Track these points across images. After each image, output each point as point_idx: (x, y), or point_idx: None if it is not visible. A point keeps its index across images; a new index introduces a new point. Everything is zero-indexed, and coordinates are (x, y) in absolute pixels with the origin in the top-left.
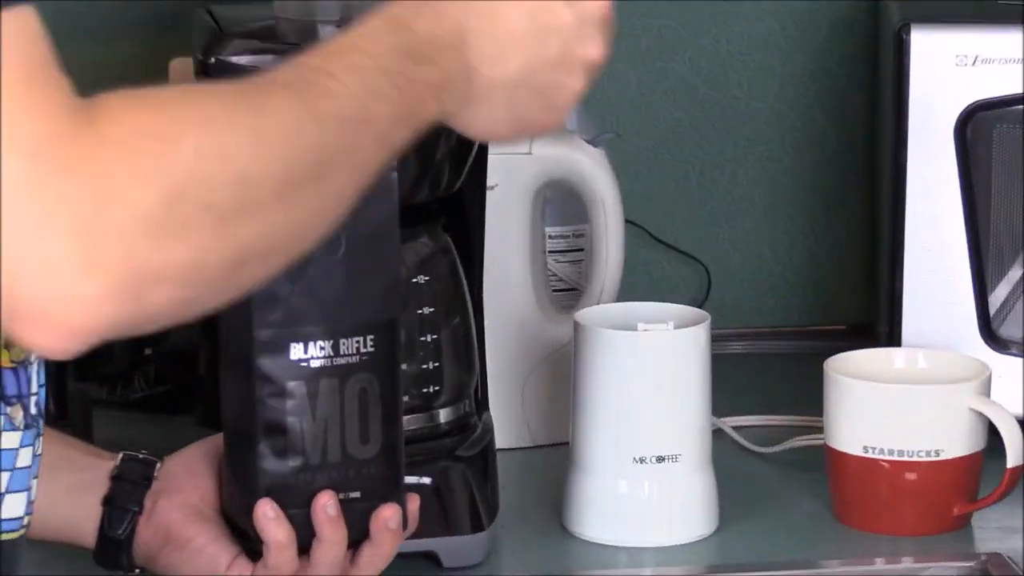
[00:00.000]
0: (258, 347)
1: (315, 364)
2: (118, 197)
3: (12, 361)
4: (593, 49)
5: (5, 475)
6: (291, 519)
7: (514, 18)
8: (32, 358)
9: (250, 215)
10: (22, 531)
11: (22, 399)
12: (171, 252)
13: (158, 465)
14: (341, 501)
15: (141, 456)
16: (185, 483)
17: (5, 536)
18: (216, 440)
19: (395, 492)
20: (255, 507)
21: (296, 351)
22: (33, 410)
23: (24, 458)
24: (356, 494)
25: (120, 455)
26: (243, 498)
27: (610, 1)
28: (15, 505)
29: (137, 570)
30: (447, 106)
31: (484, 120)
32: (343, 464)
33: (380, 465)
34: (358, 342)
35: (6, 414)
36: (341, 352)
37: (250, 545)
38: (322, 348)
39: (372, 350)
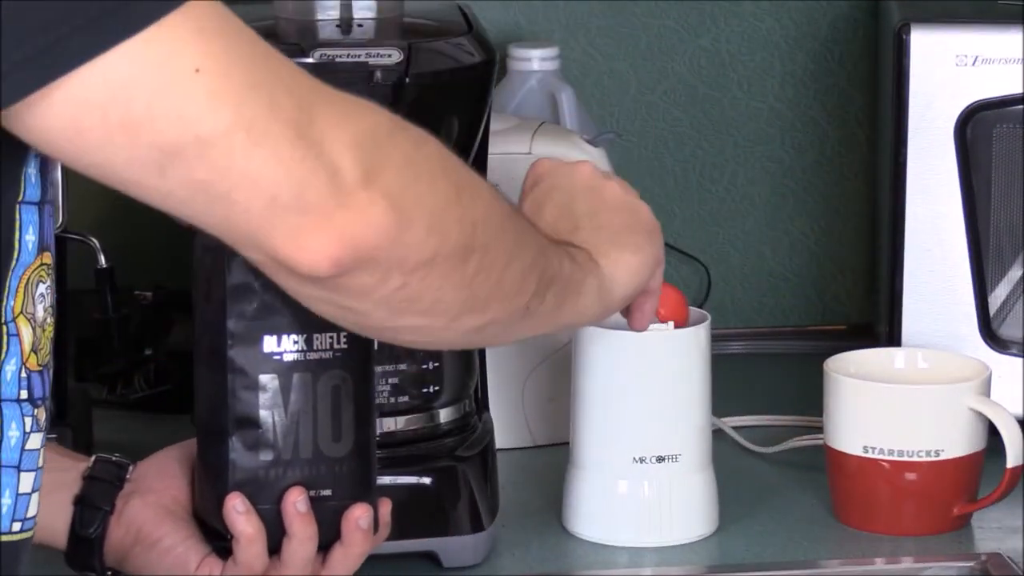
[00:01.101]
0: (231, 339)
1: (288, 358)
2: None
3: (39, 364)
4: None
5: (32, 475)
6: (261, 515)
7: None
8: (50, 361)
9: (476, 200)
10: (31, 531)
11: (45, 401)
12: (426, 199)
13: (131, 467)
14: (312, 499)
15: (114, 458)
16: (157, 484)
17: (24, 535)
18: (190, 444)
19: (367, 493)
20: (225, 501)
21: (269, 344)
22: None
23: (42, 458)
24: (327, 492)
25: (93, 457)
26: (213, 493)
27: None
28: (36, 503)
29: (109, 572)
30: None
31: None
32: (314, 461)
33: (352, 464)
34: (331, 337)
35: (34, 416)
36: (314, 347)
37: (221, 544)
38: (295, 342)
39: (345, 347)
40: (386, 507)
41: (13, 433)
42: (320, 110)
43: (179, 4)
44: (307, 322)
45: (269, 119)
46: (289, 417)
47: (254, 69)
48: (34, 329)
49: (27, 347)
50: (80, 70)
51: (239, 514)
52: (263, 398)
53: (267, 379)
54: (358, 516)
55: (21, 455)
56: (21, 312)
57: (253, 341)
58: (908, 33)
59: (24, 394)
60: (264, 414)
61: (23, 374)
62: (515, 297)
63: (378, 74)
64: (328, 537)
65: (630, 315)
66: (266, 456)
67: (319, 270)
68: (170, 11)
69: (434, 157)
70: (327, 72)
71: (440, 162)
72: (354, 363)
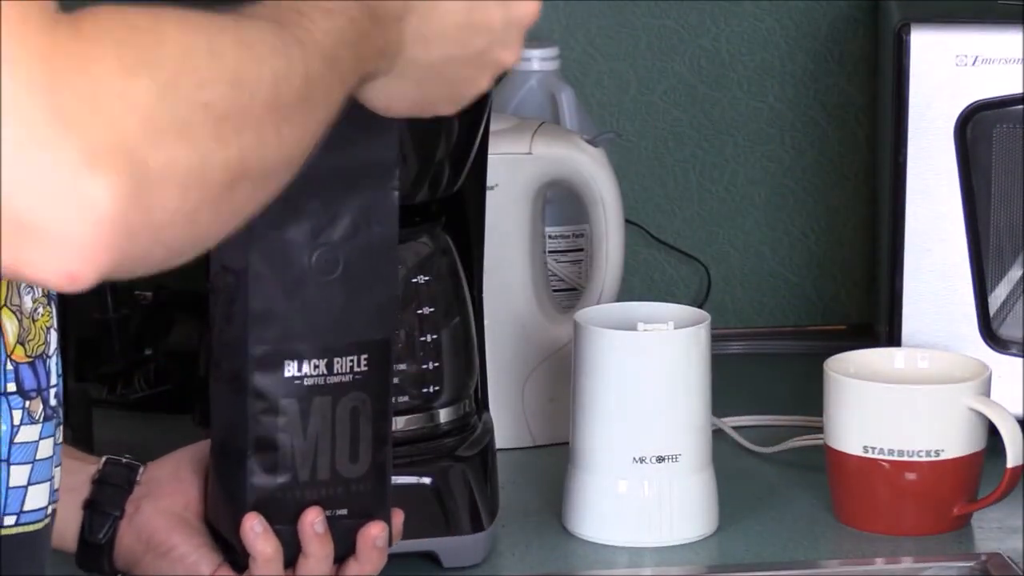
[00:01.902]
0: (252, 363)
1: (308, 382)
2: (108, 90)
3: (29, 356)
4: (510, 54)
5: (26, 468)
6: (278, 534)
7: (453, 8)
8: (51, 351)
9: (245, 123)
10: (47, 520)
11: (41, 392)
12: (170, 149)
13: (141, 470)
14: (328, 518)
15: (124, 460)
16: (169, 489)
17: (32, 527)
18: (202, 447)
19: (382, 509)
20: (242, 521)
21: (290, 369)
22: (52, 402)
23: (45, 449)
24: (343, 511)
25: (103, 459)
26: (230, 512)
27: (537, 4)
28: (38, 496)
29: (118, 575)
30: (376, 71)
31: (390, 94)
32: (332, 482)
33: (368, 483)
34: (352, 361)
35: (25, 408)
36: (335, 371)
37: (233, 556)
38: (316, 366)
39: (365, 369)
40: (399, 519)
41: (0, 427)
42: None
43: None
44: (328, 347)
45: None
46: (308, 440)
47: None
48: (20, 320)
49: (11, 339)
50: None
51: (257, 535)
52: (282, 422)
53: (287, 403)
54: (375, 535)
55: (10, 448)
56: (5, 304)
57: (275, 367)
58: (908, 33)
59: (12, 387)
60: (283, 437)
61: (8, 366)
62: (282, 171)
63: None
64: (343, 552)
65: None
66: (284, 478)
67: (78, 287)
68: None
69: (185, 100)
70: None
71: (194, 101)
72: (373, 384)
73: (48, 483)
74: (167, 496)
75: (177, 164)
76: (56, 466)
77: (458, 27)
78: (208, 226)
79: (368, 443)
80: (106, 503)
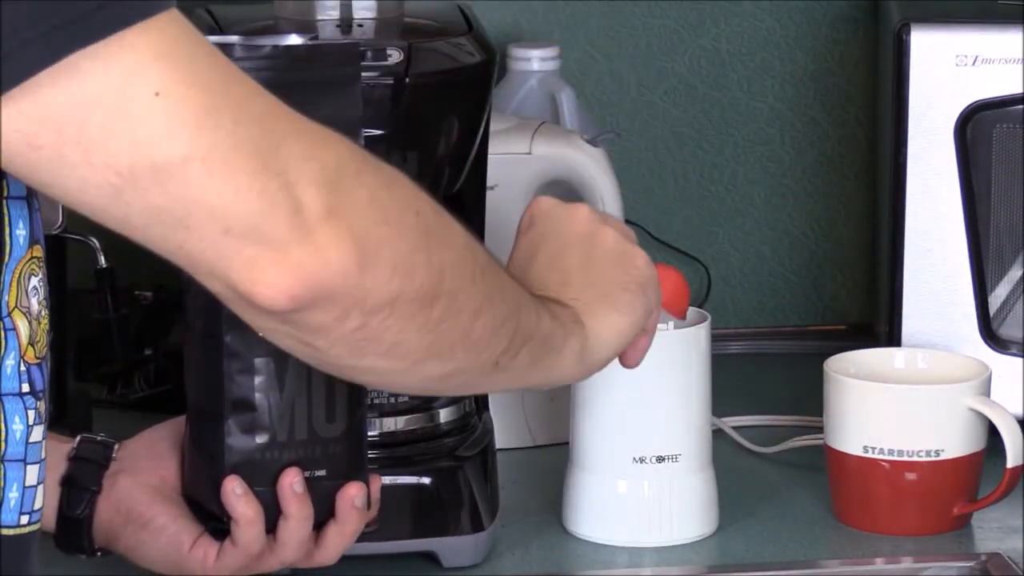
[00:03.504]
0: (226, 323)
1: None
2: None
3: (37, 357)
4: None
5: (36, 467)
6: (258, 496)
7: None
8: (47, 354)
9: (447, 244)
10: (39, 523)
11: (44, 393)
12: (391, 239)
13: (116, 446)
14: (307, 479)
15: (99, 438)
16: (145, 464)
17: (32, 527)
18: (177, 423)
19: (359, 471)
20: (223, 484)
21: None
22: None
23: (44, 450)
24: (322, 472)
25: (78, 437)
26: (209, 476)
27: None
28: (41, 496)
29: (99, 551)
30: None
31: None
32: (310, 442)
33: (345, 444)
34: None
35: (36, 409)
36: None
37: (214, 525)
38: None
39: None
40: (376, 484)
41: (17, 427)
42: (286, 141)
43: (140, 19)
44: None
45: (229, 148)
46: (284, 399)
47: (216, 95)
48: (30, 323)
49: (24, 340)
50: (34, 82)
51: (238, 496)
52: (258, 381)
53: (262, 362)
54: (353, 495)
55: (26, 448)
56: (16, 306)
57: (248, 325)
58: (908, 33)
59: (26, 387)
60: (259, 397)
61: (22, 367)
62: (484, 349)
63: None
64: (322, 516)
65: (623, 353)
66: (262, 438)
67: (275, 305)
68: (128, 26)
69: (404, 198)
70: (317, 55)
71: (410, 203)
72: None
73: (43, 484)
74: (144, 471)
75: (392, 250)
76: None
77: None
78: (404, 332)
79: (344, 402)
80: (83, 479)
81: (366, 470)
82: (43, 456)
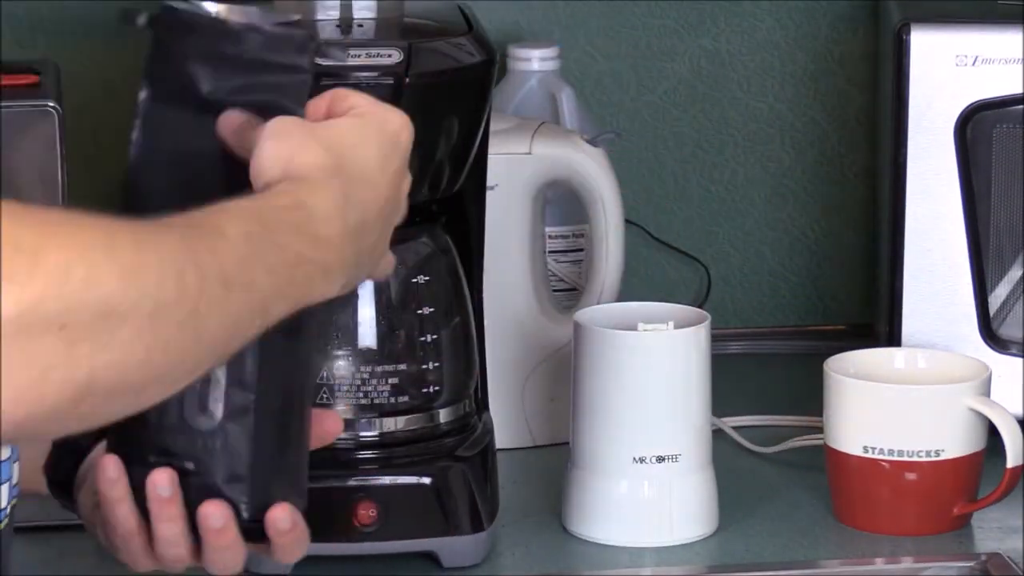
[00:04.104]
0: None
1: None
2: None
3: None
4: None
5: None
6: (132, 477)
7: (387, 183)
8: None
9: (104, 345)
10: (6, 520)
11: None
12: (10, 360)
13: None
14: (177, 469)
15: None
16: None
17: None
18: None
19: (242, 482)
20: (99, 462)
21: None
22: None
23: (5, 449)
24: (190, 465)
25: None
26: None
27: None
28: (7, 494)
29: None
30: (337, 288)
31: (371, 265)
32: (179, 429)
33: (223, 442)
34: None
35: None
36: None
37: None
38: None
39: None
40: (283, 512)
41: None
42: None
43: None
44: None
45: None
46: None
47: None
48: None
49: None
50: None
51: (109, 480)
52: None
53: None
54: (207, 514)
55: None
56: None
57: None
58: (908, 33)
59: None
60: None
61: None
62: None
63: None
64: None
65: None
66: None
67: None
68: None
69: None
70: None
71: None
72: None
73: (7, 483)
74: None
75: (14, 376)
76: (14, 462)
77: (387, 212)
78: (48, 428)
79: (222, 398)
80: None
81: (262, 487)
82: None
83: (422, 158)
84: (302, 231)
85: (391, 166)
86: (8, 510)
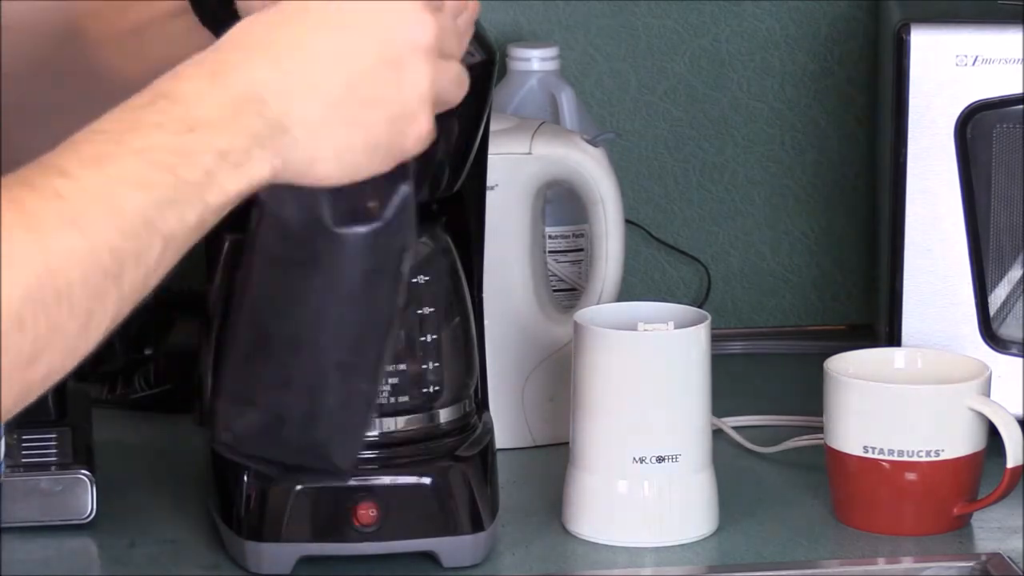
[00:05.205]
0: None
1: None
2: None
3: None
4: (418, 127)
5: None
6: None
7: (331, 82)
8: None
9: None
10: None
11: None
12: None
13: None
14: None
15: None
16: None
17: None
18: None
19: None
20: None
21: None
22: None
23: None
24: None
25: None
26: None
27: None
28: None
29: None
30: (258, 168)
31: (332, 154)
32: None
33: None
34: None
35: None
36: None
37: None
38: None
39: None
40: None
41: None
42: None
43: None
44: None
45: None
46: None
47: None
48: None
49: None
50: None
51: None
52: None
53: None
54: None
55: None
56: None
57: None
58: (908, 33)
59: None
60: None
61: None
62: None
63: None
64: None
65: None
66: None
67: None
68: None
69: None
70: None
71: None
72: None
73: None
74: None
75: None
76: None
77: (342, 102)
78: None
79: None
80: None
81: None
82: None
83: (422, 158)
84: (170, 124)
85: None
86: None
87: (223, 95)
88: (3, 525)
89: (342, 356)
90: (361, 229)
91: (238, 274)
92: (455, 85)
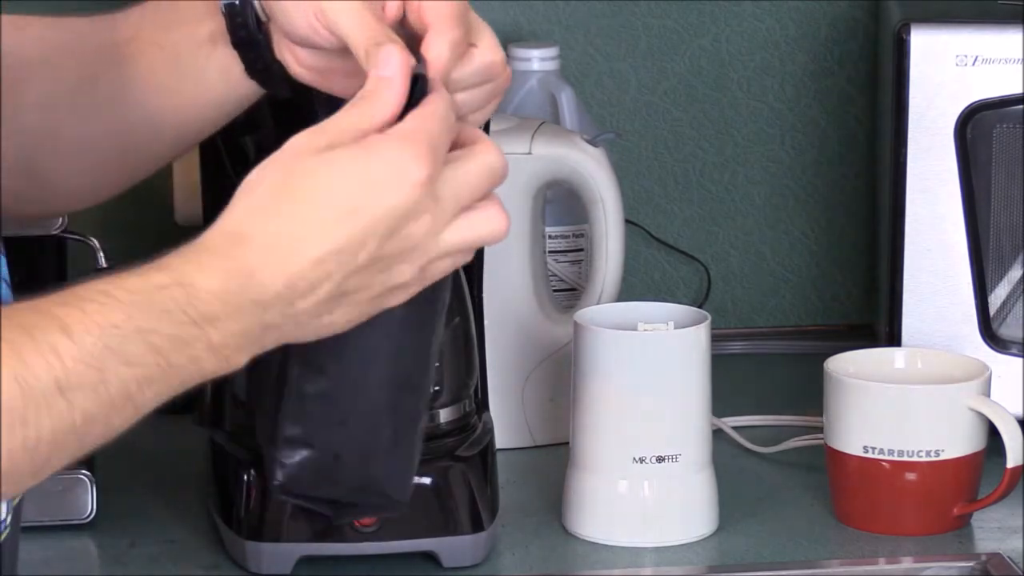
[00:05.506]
0: None
1: None
2: None
3: None
4: (402, 294)
5: None
6: None
7: (327, 285)
8: None
9: None
10: (7, 531)
11: None
12: None
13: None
14: None
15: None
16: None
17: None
18: None
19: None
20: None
21: None
22: None
23: None
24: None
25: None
26: None
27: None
28: (5, 506)
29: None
30: (239, 358)
31: (314, 330)
32: None
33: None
34: None
35: None
36: None
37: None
38: None
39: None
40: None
41: None
42: None
43: None
44: None
45: None
46: None
47: None
48: None
49: None
50: None
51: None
52: None
53: None
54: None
55: None
56: None
57: None
58: (908, 33)
59: None
60: None
61: None
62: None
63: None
64: None
65: None
66: None
67: None
68: None
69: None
70: None
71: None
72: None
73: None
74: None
75: None
76: None
77: (326, 275)
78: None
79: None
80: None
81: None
82: None
83: None
84: (177, 313)
85: (372, 212)
86: (8, 520)
87: (233, 297)
88: (3, 524)
89: (395, 389)
90: None
91: None
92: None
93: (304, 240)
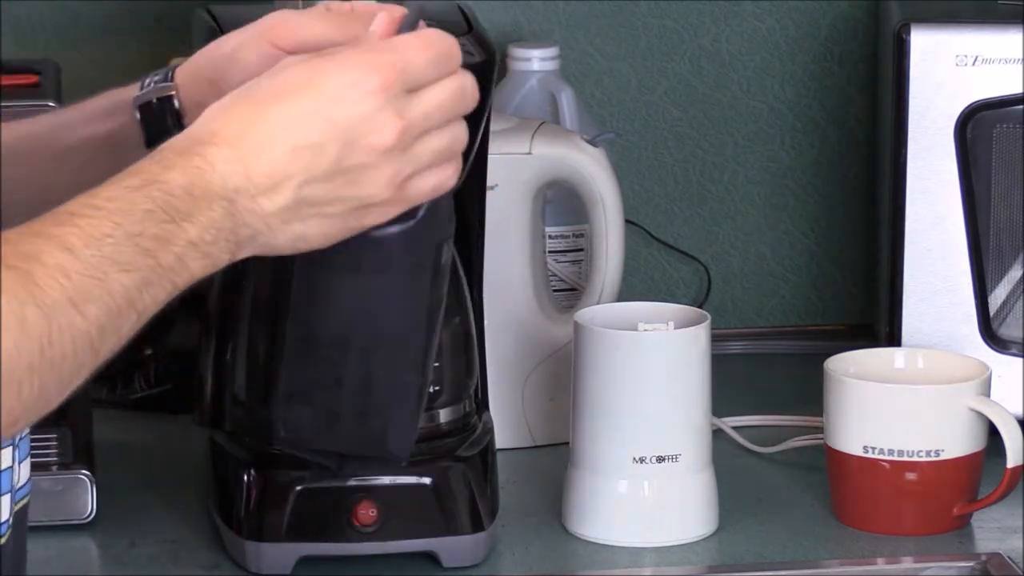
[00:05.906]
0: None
1: None
2: None
3: None
4: (379, 214)
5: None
6: None
7: (290, 184)
8: None
9: None
10: (7, 534)
11: None
12: None
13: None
14: None
15: (154, 100)
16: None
17: None
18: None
19: None
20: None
21: None
22: None
23: (6, 458)
24: None
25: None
26: None
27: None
28: (8, 508)
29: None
30: (220, 255)
31: (289, 240)
32: None
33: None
34: None
35: None
36: None
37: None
38: None
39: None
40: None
41: None
42: None
43: None
44: None
45: None
46: None
47: None
48: None
49: None
50: None
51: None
52: None
53: None
54: None
55: None
56: None
57: None
58: (908, 33)
59: None
60: None
61: None
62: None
63: None
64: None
65: None
66: None
67: None
68: None
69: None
70: None
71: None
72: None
73: (8, 494)
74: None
75: None
76: (21, 462)
77: (291, 163)
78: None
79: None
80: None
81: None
82: (1, 467)
83: None
84: (158, 212)
85: (328, 116)
86: (10, 522)
87: (201, 192)
88: (3, 526)
89: (388, 352)
90: (396, 229)
91: (278, 278)
92: (437, 171)
93: (263, 136)
